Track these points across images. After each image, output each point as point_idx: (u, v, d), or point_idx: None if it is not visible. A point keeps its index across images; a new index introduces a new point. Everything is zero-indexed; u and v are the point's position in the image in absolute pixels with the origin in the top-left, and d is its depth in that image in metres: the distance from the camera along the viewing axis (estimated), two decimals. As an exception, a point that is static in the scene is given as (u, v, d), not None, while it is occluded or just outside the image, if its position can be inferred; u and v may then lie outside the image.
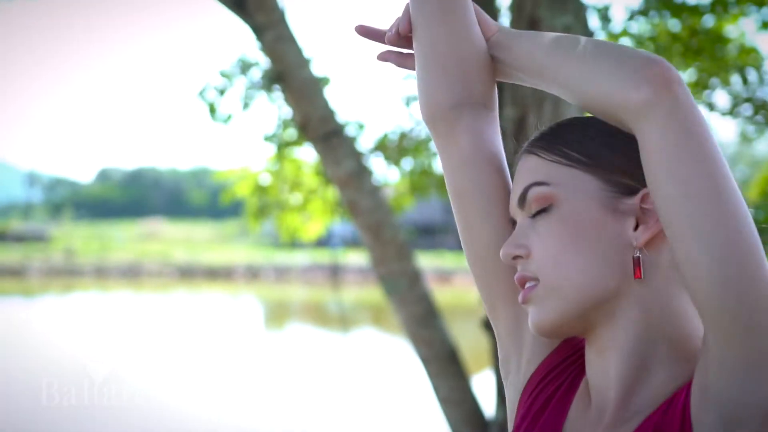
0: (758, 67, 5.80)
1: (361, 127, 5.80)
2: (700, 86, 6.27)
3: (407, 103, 5.78)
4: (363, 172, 3.90)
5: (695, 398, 1.00)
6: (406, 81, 5.80)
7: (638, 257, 1.06)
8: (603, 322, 1.07)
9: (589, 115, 1.13)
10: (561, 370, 1.17)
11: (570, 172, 1.09)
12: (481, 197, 1.18)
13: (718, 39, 5.20)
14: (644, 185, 1.06)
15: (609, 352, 1.08)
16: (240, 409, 11.16)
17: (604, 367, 1.08)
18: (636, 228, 1.06)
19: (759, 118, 6.06)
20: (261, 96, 5.53)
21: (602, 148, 1.09)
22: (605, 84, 1.03)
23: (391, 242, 3.90)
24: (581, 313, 1.07)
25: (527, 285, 1.09)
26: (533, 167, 1.11)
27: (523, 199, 1.10)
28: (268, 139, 5.74)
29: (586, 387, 1.13)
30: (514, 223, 1.15)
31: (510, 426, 1.21)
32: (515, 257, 1.09)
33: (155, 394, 12.21)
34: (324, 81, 5.71)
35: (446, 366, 3.87)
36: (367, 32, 1.26)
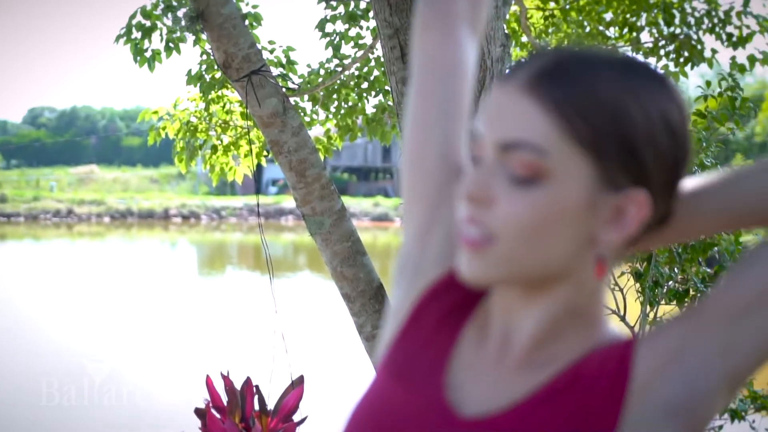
0: (680, 5, 5.86)
1: (286, 65, 5.74)
2: (627, 26, 6.34)
3: (333, 43, 5.74)
4: (286, 111, 3.87)
5: (654, 360, 1.02)
6: (330, 22, 5.74)
7: (604, 257, 1.04)
8: (536, 286, 1.07)
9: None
10: (462, 290, 1.17)
11: (572, 149, 0.99)
12: (442, 102, 1.21)
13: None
14: (632, 184, 1.01)
15: (532, 308, 1.08)
16: (172, 353, 11.17)
17: (522, 316, 1.09)
18: (607, 225, 1.02)
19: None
20: (188, 37, 5.45)
21: (612, 127, 0.99)
22: None
23: (316, 181, 3.89)
24: (520, 280, 1.06)
25: (479, 236, 1.02)
26: (533, 118, 0.99)
27: (508, 149, 1.00)
28: (191, 80, 5.66)
29: (485, 318, 1.14)
30: (474, 143, 1.06)
31: (390, 329, 1.20)
32: (475, 199, 1.02)
33: (90, 343, 12.15)
34: (256, 18, 5.64)
35: (371, 304, 3.90)
36: None
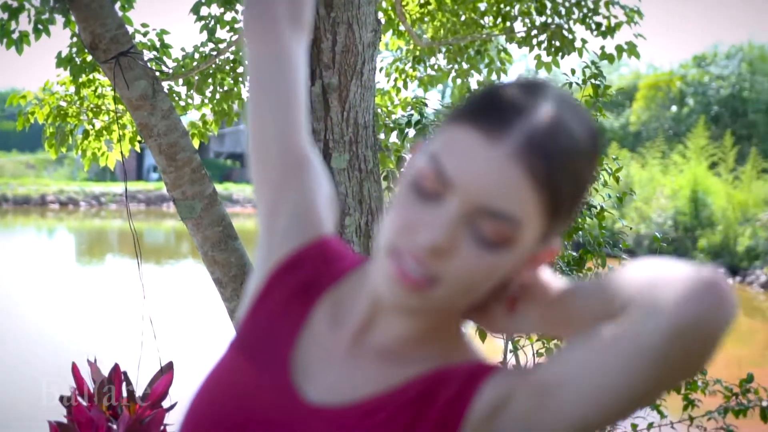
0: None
1: (160, 48, 5.65)
2: (501, 16, 6.45)
3: (208, 27, 5.66)
4: (156, 94, 3.82)
5: (492, 399, 1.02)
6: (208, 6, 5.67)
7: (515, 295, 1.07)
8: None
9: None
10: (311, 269, 1.20)
11: (542, 220, 1.00)
12: (276, 96, 1.26)
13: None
14: (557, 237, 1.05)
15: (410, 317, 1.09)
16: (43, 342, 10.93)
17: (395, 317, 1.10)
18: (524, 269, 1.06)
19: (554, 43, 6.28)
20: (59, 18, 5.30)
21: (576, 201, 1.03)
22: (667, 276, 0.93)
23: (186, 165, 3.85)
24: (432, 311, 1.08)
25: (422, 278, 1.00)
26: (523, 194, 0.98)
27: (488, 215, 0.99)
28: (61, 62, 5.51)
29: (342, 301, 1.16)
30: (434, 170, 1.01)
31: (244, 307, 1.23)
32: (438, 251, 0.99)
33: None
34: (128, 0, 5.51)
35: (243, 289, 3.88)
36: None
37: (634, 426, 4.21)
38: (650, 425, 4.18)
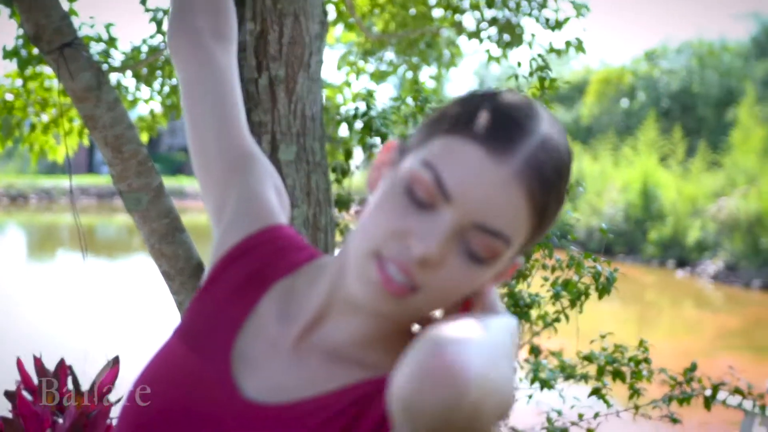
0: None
1: (107, 41, 5.60)
2: (451, 9, 6.47)
3: (156, 19, 5.62)
4: (101, 86, 3.78)
5: None
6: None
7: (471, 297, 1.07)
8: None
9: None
10: (259, 259, 1.20)
11: (526, 237, 1.02)
12: (211, 106, 1.28)
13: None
14: (523, 253, 1.07)
15: (367, 319, 1.09)
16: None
17: (349, 316, 1.09)
18: (492, 280, 1.05)
19: (506, 37, 6.32)
20: (5, 10, 5.23)
21: (553, 220, 1.04)
22: None
23: (132, 157, 3.82)
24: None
25: (404, 285, 0.99)
26: (522, 217, 0.99)
27: (484, 232, 0.98)
28: (7, 55, 5.44)
29: (290, 294, 1.15)
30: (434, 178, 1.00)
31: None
32: (429, 264, 0.99)
33: None
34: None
35: (190, 281, 3.86)
36: None
37: (580, 415, 4.26)
38: (596, 414, 4.23)
